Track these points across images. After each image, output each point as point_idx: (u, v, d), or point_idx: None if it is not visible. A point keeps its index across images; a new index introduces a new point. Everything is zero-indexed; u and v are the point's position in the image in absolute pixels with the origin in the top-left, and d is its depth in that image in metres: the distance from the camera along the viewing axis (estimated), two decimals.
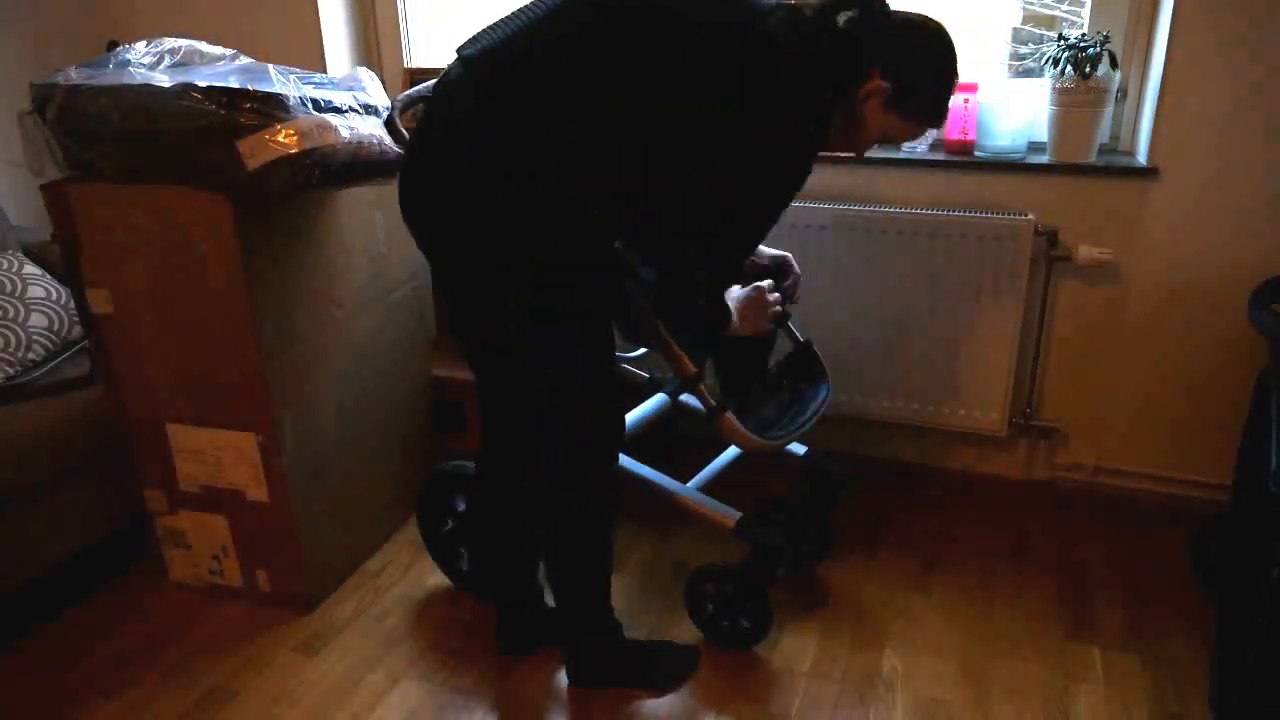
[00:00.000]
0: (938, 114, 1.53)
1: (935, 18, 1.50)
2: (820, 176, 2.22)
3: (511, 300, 1.42)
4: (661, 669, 1.76)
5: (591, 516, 1.62)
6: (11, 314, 2.09)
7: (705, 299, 1.56)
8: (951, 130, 2.14)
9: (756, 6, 1.38)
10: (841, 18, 1.41)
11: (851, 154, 1.59)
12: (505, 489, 1.73)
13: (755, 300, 1.66)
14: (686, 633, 1.87)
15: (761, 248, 1.81)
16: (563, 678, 1.77)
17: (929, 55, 1.48)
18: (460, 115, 1.36)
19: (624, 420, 1.63)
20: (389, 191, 1.67)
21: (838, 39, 1.40)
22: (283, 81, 1.66)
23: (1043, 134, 2.09)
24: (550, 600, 1.78)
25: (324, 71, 2.48)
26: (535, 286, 1.40)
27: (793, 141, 1.40)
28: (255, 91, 1.59)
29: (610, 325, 1.55)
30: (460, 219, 1.38)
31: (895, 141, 1.58)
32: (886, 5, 1.46)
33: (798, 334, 1.96)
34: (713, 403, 1.68)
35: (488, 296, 1.44)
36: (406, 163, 1.46)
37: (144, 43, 1.82)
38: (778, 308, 1.71)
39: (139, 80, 1.63)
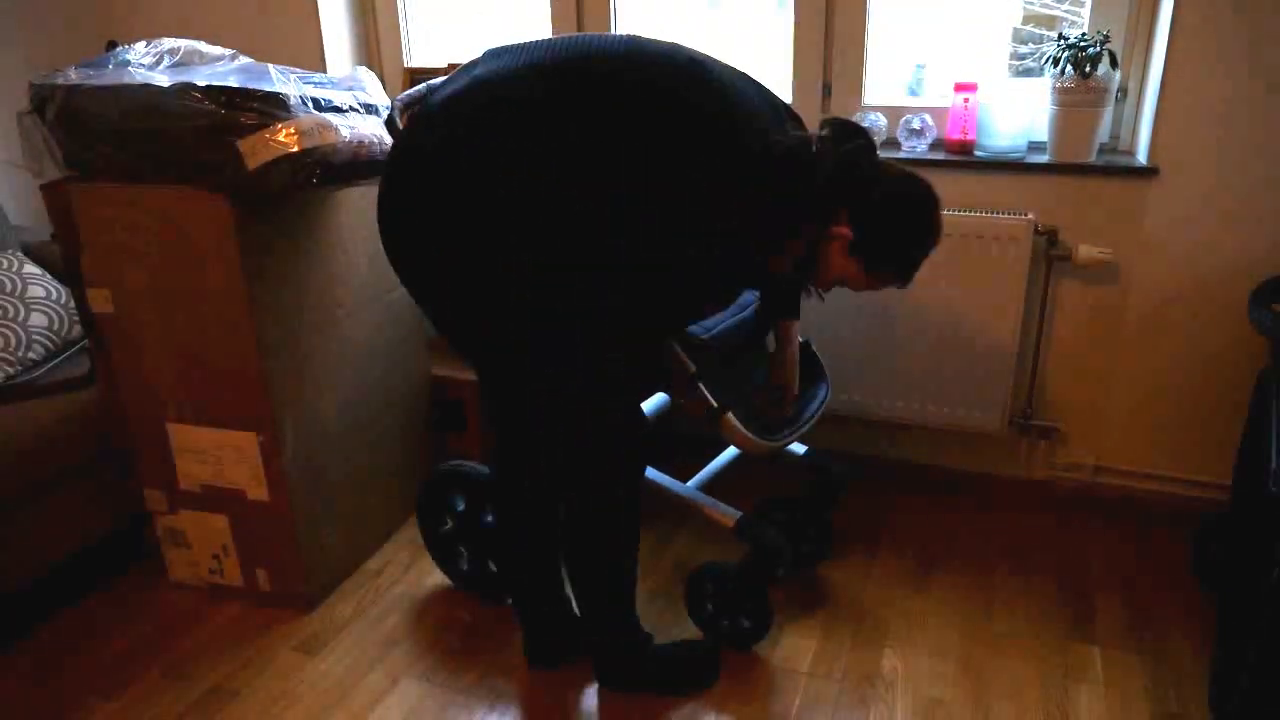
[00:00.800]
0: (901, 276, 1.52)
1: (927, 181, 1.49)
2: None
3: (511, 299, 1.42)
4: (690, 676, 1.75)
5: (595, 519, 1.61)
6: (11, 313, 2.09)
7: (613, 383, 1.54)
8: (951, 130, 2.14)
9: (757, 122, 1.39)
10: (834, 152, 1.42)
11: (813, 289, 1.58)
12: (521, 494, 1.72)
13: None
14: (686, 632, 1.87)
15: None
16: (563, 678, 1.77)
17: (906, 217, 1.48)
18: (461, 132, 1.36)
19: (637, 423, 1.59)
20: None
21: (821, 173, 1.40)
22: (283, 81, 1.67)
23: (1043, 134, 2.09)
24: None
25: (324, 71, 2.48)
26: (535, 286, 1.40)
27: (735, 249, 1.40)
28: (255, 91, 1.59)
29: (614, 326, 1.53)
30: (461, 217, 1.37)
31: (853, 289, 1.55)
32: (876, 155, 1.47)
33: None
34: (714, 403, 1.68)
35: (487, 297, 1.43)
36: (396, 166, 1.43)
37: (144, 43, 1.82)
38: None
39: (139, 80, 1.63)
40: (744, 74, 1.46)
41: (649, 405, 2.01)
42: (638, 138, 1.34)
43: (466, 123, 1.36)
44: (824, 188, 1.41)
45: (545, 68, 1.36)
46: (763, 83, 1.49)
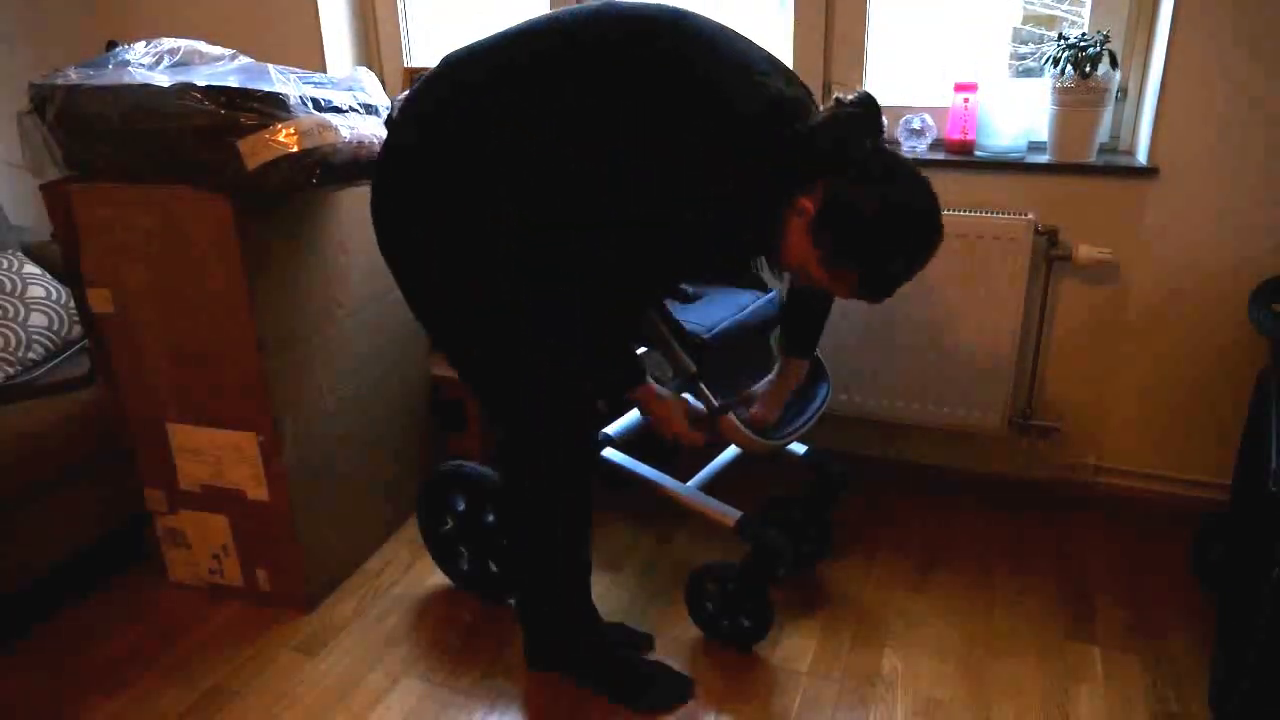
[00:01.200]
0: (868, 286, 1.36)
1: (931, 192, 1.33)
2: None
3: (500, 254, 1.41)
4: (628, 689, 1.71)
5: (539, 502, 1.61)
6: (11, 313, 2.09)
7: (595, 339, 1.51)
8: (951, 130, 2.14)
9: (749, 73, 1.34)
10: (828, 114, 1.34)
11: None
12: (523, 493, 1.71)
13: (672, 407, 1.62)
14: (687, 632, 1.87)
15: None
16: (563, 678, 1.77)
17: (879, 214, 1.32)
18: (448, 95, 1.40)
19: (587, 407, 1.60)
20: None
21: (803, 130, 1.33)
22: (283, 81, 1.67)
23: (1043, 134, 2.09)
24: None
25: (324, 71, 2.48)
26: (529, 244, 1.40)
27: (707, 210, 1.34)
28: (255, 91, 1.59)
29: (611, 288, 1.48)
30: (449, 177, 1.38)
31: (816, 285, 1.41)
32: (873, 134, 1.34)
33: None
34: (714, 402, 1.68)
35: (481, 254, 1.41)
36: (385, 156, 1.46)
37: (143, 43, 1.82)
38: (690, 437, 1.63)
39: (138, 80, 1.63)
40: (735, 31, 1.41)
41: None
42: (628, 95, 1.33)
43: (453, 88, 1.40)
44: (801, 147, 1.31)
45: (529, 35, 1.39)
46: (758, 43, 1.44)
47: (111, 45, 1.85)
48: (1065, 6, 2.17)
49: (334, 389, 1.96)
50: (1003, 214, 2.07)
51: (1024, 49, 2.23)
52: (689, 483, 1.87)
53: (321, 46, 2.50)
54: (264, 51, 2.18)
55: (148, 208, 1.72)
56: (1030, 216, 2.05)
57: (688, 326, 1.74)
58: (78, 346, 2.17)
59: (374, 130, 1.75)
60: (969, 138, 2.13)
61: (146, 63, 1.77)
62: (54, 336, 2.15)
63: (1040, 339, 2.19)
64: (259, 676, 1.80)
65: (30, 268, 2.21)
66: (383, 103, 1.84)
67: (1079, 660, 1.78)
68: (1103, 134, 2.04)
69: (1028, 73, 2.20)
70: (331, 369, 1.95)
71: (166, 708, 1.73)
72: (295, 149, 1.59)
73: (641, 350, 2.02)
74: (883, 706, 1.69)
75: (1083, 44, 1.93)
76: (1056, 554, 2.10)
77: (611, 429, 1.94)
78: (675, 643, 1.86)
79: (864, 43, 2.19)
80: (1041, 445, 2.30)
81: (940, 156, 2.15)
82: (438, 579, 2.06)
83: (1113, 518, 2.22)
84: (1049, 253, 2.09)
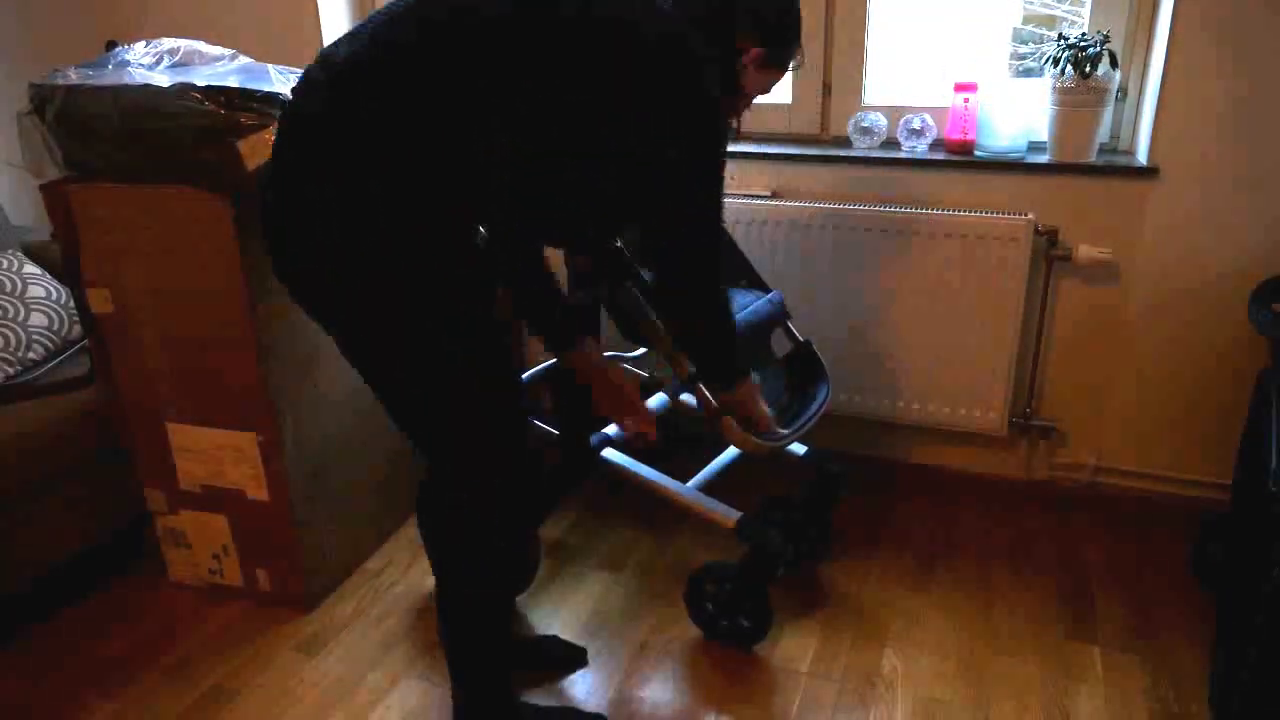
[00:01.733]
0: (793, 54, 1.58)
1: None
2: (820, 176, 2.22)
3: (494, 180, 1.31)
4: None
5: (467, 562, 1.52)
6: (11, 313, 2.09)
7: (712, 294, 1.54)
8: (951, 130, 2.14)
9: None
10: None
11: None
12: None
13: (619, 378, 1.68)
14: (687, 632, 1.87)
15: None
16: (561, 685, 1.77)
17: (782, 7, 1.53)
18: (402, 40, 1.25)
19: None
20: None
21: (714, 20, 1.43)
22: (282, 81, 1.67)
23: (1043, 134, 2.09)
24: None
25: None
26: (518, 169, 1.32)
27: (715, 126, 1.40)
28: (255, 91, 1.59)
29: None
30: (421, 119, 1.24)
31: (763, 93, 1.59)
32: None
33: (798, 334, 1.96)
34: (714, 403, 1.68)
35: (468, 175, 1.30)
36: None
37: (143, 43, 1.82)
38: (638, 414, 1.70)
39: (138, 80, 1.63)
40: None
41: (649, 406, 2.01)
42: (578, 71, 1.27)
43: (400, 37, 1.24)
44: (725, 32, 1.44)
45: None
46: None
47: (111, 45, 1.85)
48: (1065, 6, 2.17)
49: (334, 389, 1.96)
50: (1003, 214, 2.07)
51: (1024, 49, 2.23)
52: (689, 483, 1.87)
53: (321, 47, 2.49)
54: (264, 51, 2.17)
55: (148, 208, 1.72)
56: (1030, 216, 2.05)
57: None
58: (78, 346, 2.17)
59: None
60: (969, 138, 2.13)
61: (146, 63, 1.77)
62: (54, 336, 2.15)
63: (1040, 339, 2.19)
64: (259, 676, 1.80)
65: (30, 268, 2.21)
66: None
67: (1079, 660, 1.78)
68: (1103, 134, 2.04)
69: (1028, 73, 2.20)
70: (332, 369, 1.94)
71: (166, 708, 1.73)
72: None
73: (641, 351, 2.02)
74: (883, 706, 1.69)
75: (1083, 44, 1.93)
76: (1056, 554, 2.10)
77: (611, 429, 1.94)
78: (675, 643, 1.86)
79: (864, 43, 2.19)
80: (1041, 445, 2.30)
81: (940, 156, 2.14)
82: None
83: (1113, 518, 2.22)
84: (1049, 253, 2.09)
